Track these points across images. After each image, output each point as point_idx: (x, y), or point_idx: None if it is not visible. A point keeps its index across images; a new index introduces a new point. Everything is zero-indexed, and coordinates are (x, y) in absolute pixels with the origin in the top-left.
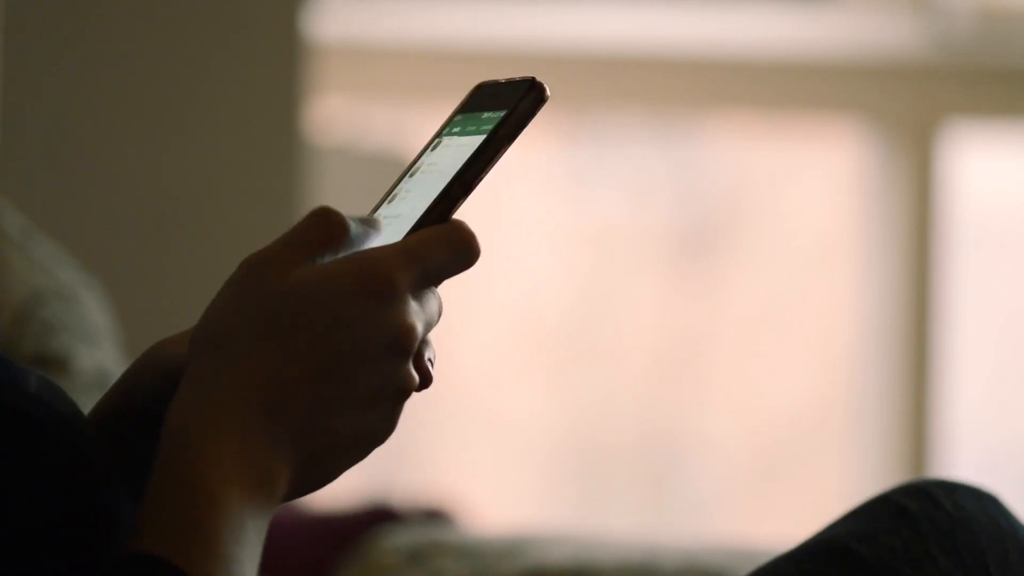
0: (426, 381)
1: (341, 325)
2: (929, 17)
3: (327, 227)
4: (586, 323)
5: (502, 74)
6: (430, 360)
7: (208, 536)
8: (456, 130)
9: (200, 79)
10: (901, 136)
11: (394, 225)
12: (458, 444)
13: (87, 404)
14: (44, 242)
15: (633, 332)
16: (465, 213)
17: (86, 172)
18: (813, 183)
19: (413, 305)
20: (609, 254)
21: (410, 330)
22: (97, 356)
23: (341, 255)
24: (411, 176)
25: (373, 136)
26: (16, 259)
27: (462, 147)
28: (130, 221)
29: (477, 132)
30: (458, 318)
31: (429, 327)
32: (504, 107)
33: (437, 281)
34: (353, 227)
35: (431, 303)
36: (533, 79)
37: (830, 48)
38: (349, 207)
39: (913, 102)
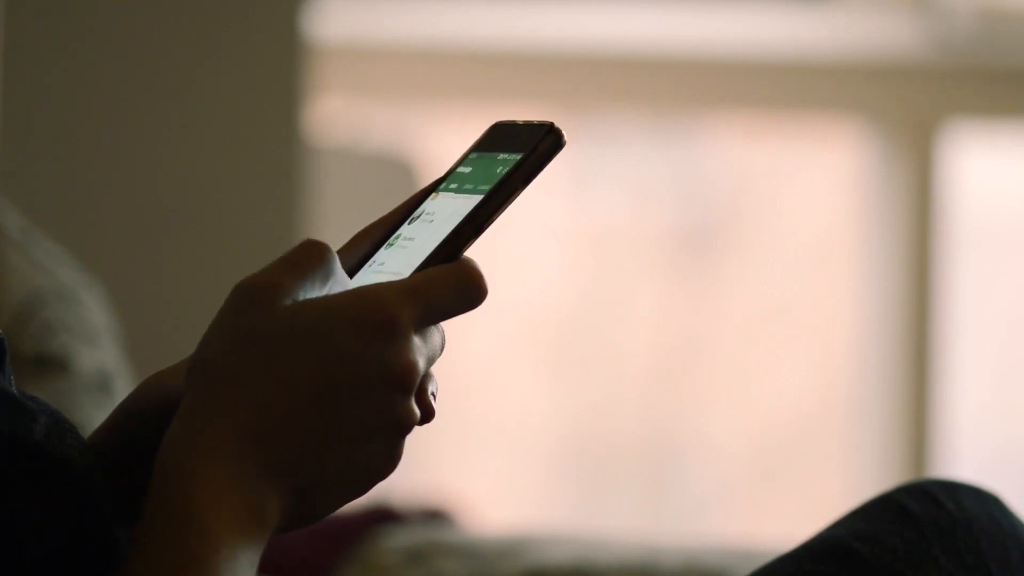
0: (428, 416)
1: (339, 359)
2: (929, 17)
3: (311, 250)
4: (587, 323)
5: (502, 74)
6: (433, 394)
7: (202, 568)
8: (471, 169)
9: (200, 79)
10: (901, 136)
11: (402, 259)
12: (459, 444)
13: (88, 404)
14: (44, 242)
15: (633, 332)
16: None
17: (86, 172)
18: (813, 183)
19: (416, 341)
20: (609, 254)
21: (412, 367)
22: (97, 356)
23: (331, 282)
24: (424, 208)
25: (374, 136)
26: (16, 259)
27: (477, 187)
28: (130, 221)
29: (492, 173)
30: (459, 319)
31: (431, 362)
32: (521, 150)
33: (442, 319)
34: (335, 256)
35: (434, 338)
36: (552, 124)
37: (830, 48)
38: (349, 207)
39: (913, 102)
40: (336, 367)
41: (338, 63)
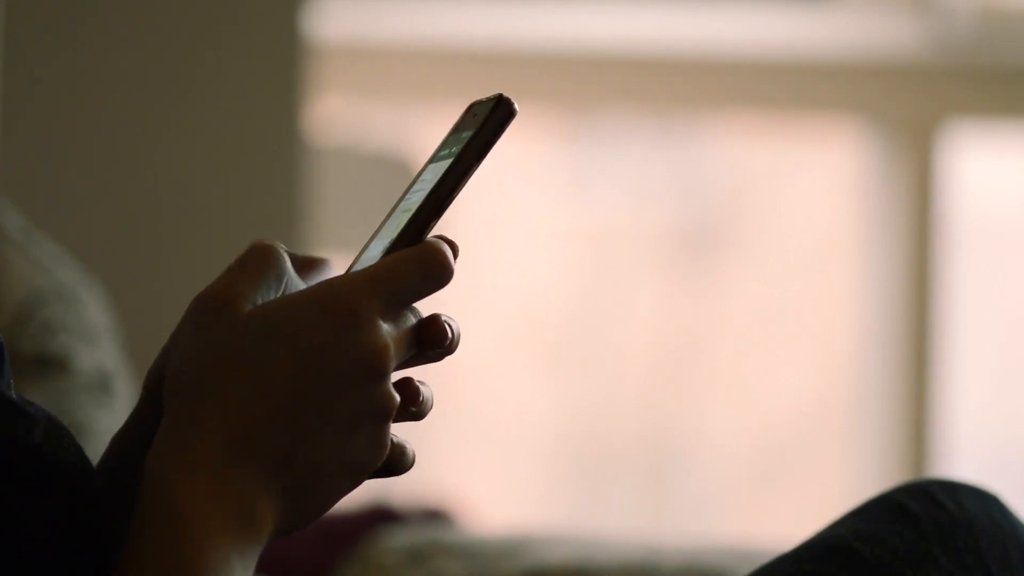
0: (414, 398)
1: (309, 354)
2: (929, 17)
3: (262, 253)
4: (586, 323)
5: (502, 74)
6: (421, 384)
7: (194, 574)
8: (445, 152)
9: (200, 79)
10: (901, 136)
11: (376, 248)
12: (458, 444)
13: (87, 404)
14: (44, 242)
15: (633, 332)
16: (465, 215)
17: (86, 172)
18: (813, 183)
19: (384, 326)
20: (609, 254)
21: (382, 352)
22: (97, 356)
23: (284, 282)
24: (405, 198)
25: (373, 136)
26: (16, 259)
27: (441, 167)
28: (130, 221)
29: (452, 153)
30: (458, 319)
31: (408, 345)
32: (474, 126)
33: (409, 302)
34: (287, 256)
35: (408, 321)
36: (500, 96)
37: (830, 48)
38: (349, 207)
39: (913, 102)
40: (308, 363)
41: (338, 63)
